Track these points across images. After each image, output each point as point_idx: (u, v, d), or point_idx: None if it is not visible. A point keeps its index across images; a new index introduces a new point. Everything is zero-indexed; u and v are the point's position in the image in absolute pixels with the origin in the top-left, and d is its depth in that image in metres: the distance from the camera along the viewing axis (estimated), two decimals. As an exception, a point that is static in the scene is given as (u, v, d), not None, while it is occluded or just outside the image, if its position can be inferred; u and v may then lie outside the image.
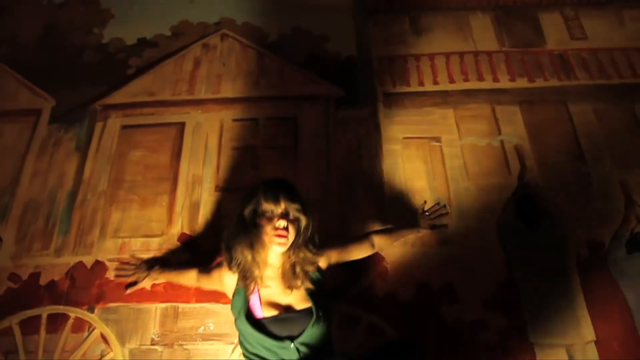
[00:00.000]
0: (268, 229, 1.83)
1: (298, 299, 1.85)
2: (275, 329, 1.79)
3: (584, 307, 2.24)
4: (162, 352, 2.18)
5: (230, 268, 1.90)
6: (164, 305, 2.28)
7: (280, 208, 1.83)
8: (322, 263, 2.00)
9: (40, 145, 2.72)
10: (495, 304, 2.25)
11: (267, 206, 1.83)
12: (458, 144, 2.67)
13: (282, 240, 1.82)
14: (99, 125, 2.76)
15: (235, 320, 1.85)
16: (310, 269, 1.91)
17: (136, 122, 2.78)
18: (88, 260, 2.39)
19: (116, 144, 2.71)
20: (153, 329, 2.23)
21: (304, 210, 1.87)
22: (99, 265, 2.38)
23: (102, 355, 2.19)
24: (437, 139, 2.68)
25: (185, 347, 2.19)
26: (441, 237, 2.40)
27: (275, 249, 1.85)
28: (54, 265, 2.39)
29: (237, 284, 1.90)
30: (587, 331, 2.20)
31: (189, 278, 2.18)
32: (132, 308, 2.27)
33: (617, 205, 2.49)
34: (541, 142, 2.66)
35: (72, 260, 2.40)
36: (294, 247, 1.87)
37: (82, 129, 2.76)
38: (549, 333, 2.20)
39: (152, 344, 2.20)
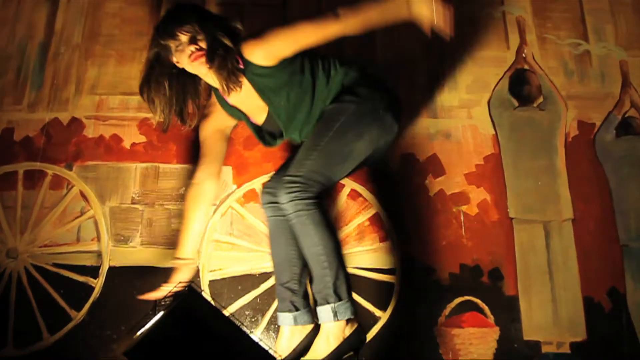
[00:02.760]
0: (185, 63, 1.74)
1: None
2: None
3: (565, 186, 2.26)
4: (142, 210, 2.17)
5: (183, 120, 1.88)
6: (144, 165, 2.23)
7: (179, 40, 1.72)
8: (263, 58, 1.73)
9: (5, -10, 2.50)
10: (479, 178, 2.25)
11: (168, 44, 1.74)
12: (457, 11, 2.49)
13: (201, 59, 1.71)
14: (70, -29, 2.52)
15: None
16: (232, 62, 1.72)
17: (112, -30, 2.54)
18: (64, 117, 2.30)
19: (90, -7, 2.49)
20: (133, 188, 2.20)
21: (202, 25, 1.72)
22: (75, 122, 2.29)
23: (82, 212, 2.17)
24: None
25: (166, 206, 2.18)
26: (431, 110, 2.33)
27: (201, 70, 1.74)
28: (28, 120, 2.29)
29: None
30: (565, 209, 2.23)
31: (208, 201, 1.97)
32: (112, 167, 2.22)
33: (613, 88, 2.42)
34: (545, 16, 2.52)
35: (47, 116, 2.30)
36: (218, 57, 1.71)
37: (51, -26, 2.52)
38: (529, 209, 2.22)
39: (132, 203, 2.18)
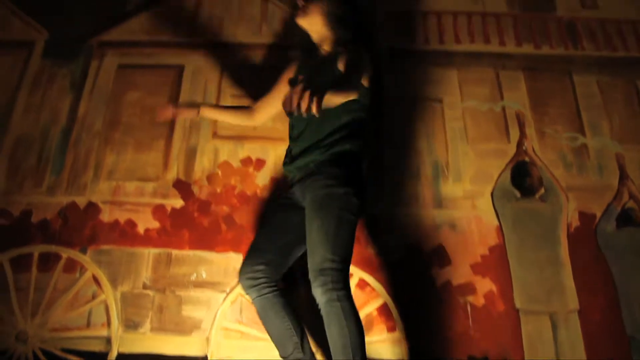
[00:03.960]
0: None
1: None
2: None
3: (570, 277, 2.29)
4: (154, 296, 2.20)
5: None
6: (157, 250, 2.28)
7: None
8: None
9: (33, 79, 2.65)
10: (485, 268, 2.29)
11: None
12: (459, 107, 2.64)
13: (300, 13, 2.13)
14: (94, 63, 2.68)
15: None
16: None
17: (134, 62, 2.70)
18: (81, 201, 2.37)
19: (112, 83, 2.64)
20: (145, 274, 2.24)
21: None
22: (92, 207, 2.36)
23: (94, 297, 2.20)
24: (439, 100, 2.65)
25: (177, 293, 2.21)
26: (436, 201, 2.41)
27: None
28: (46, 203, 2.36)
29: None
30: (571, 300, 2.26)
31: (242, 116, 2.37)
32: (125, 251, 2.28)
33: (611, 179, 2.51)
34: (542, 111, 2.65)
35: (64, 200, 2.38)
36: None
37: (77, 66, 2.67)
38: (535, 300, 2.25)
39: (144, 288, 2.21)
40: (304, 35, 2.20)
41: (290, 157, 2.08)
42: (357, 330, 1.77)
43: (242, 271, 2.00)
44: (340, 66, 1.98)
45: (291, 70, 2.27)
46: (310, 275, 1.81)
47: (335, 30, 2.13)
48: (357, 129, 2.05)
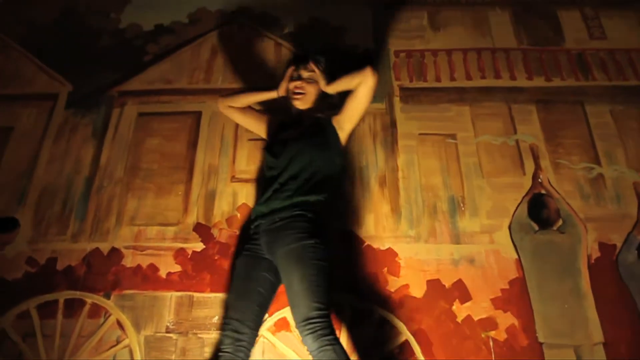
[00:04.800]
0: (285, 87, 2.39)
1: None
2: None
3: (593, 309, 2.27)
4: (177, 339, 2.22)
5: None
6: (179, 293, 2.31)
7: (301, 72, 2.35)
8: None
9: (57, 130, 2.75)
10: (505, 302, 2.28)
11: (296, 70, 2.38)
12: (473, 142, 2.67)
13: (296, 98, 2.34)
14: (115, 112, 2.78)
15: None
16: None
17: (153, 110, 2.80)
18: (104, 247, 2.43)
19: (133, 131, 2.73)
20: (168, 317, 2.27)
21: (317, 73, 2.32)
22: (115, 252, 2.41)
23: (118, 341, 2.23)
24: (453, 136, 2.69)
25: (199, 335, 2.23)
26: (454, 236, 2.42)
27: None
28: (71, 250, 2.42)
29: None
30: (595, 333, 2.23)
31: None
32: (148, 296, 2.31)
33: (629, 208, 2.50)
34: (556, 143, 2.67)
35: (88, 246, 2.43)
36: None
37: (98, 115, 2.78)
38: (558, 333, 2.23)
39: (167, 332, 2.24)
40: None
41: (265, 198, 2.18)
42: None
43: (225, 343, 1.98)
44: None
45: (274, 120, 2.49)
46: (298, 325, 1.88)
47: (323, 98, 2.37)
48: (326, 182, 2.19)
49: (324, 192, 2.15)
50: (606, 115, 2.76)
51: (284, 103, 2.41)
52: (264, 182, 2.30)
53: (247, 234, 2.24)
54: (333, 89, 2.32)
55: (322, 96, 2.36)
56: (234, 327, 1.97)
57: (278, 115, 2.50)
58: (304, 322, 1.86)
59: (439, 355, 2.16)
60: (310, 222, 2.05)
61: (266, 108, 2.62)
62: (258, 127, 2.51)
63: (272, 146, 2.30)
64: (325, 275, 1.96)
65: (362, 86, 2.23)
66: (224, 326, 2.01)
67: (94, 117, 2.77)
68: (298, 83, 2.33)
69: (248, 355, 1.98)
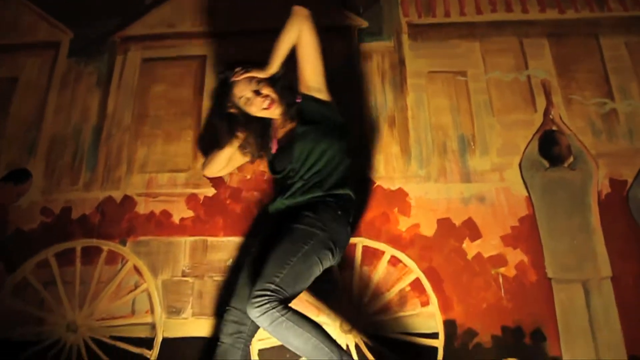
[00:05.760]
0: (254, 110, 2.12)
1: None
2: None
3: (602, 244, 2.29)
4: (193, 283, 2.28)
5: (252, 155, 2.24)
6: (192, 238, 2.35)
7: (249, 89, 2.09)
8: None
9: (61, 79, 2.72)
10: (515, 239, 2.30)
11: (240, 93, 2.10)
12: (484, 79, 2.62)
13: (271, 108, 2.12)
14: (119, 59, 2.74)
15: None
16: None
17: (157, 55, 2.75)
18: (117, 195, 2.45)
19: (138, 77, 2.70)
20: (183, 261, 2.32)
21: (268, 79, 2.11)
22: (127, 200, 2.44)
23: (136, 286, 2.29)
24: (463, 73, 2.64)
25: (215, 278, 2.28)
26: (464, 175, 2.42)
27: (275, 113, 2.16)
28: (84, 200, 2.45)
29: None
30: (603, 267, 2.26)
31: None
32: (162, 241, 2.35)
33: (642, 144, 2.48)
34: (569, 77, 2.61)
35: (101, 195, 2.46)
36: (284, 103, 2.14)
37: (102, 63, 2.74)
38: (566, 268, 2.26)
39: (183, 276, 2.29)
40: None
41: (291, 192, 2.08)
42: (316, 328, 1.77)
43: (224, 332, 1.98)
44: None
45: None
46: (252, 293, 1.76)
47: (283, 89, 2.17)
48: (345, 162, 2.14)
49: (349, 184, 2.10)
50: (621, 47, 2.68)
51: (261, 131, 2.23)
52: (279, 184, 2.22)
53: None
54: (275, 65, 2.09)
55: (281, 88, 2.14)
56: (236, 317, 1.96)
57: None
58: (251, 297, 1.75)
59: (449, 292, 2.21)
60: (331, 214, 1.99)
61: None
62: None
63: (275, 163, 2.19)
64: (307, 269, 1.85)
65: (301, 33, 2.05)
66: (225, 314, 2.00)
67: (97, 65, 2.74)
68: (258, 99, 2.09)
69: (248, 346, 1.98)
